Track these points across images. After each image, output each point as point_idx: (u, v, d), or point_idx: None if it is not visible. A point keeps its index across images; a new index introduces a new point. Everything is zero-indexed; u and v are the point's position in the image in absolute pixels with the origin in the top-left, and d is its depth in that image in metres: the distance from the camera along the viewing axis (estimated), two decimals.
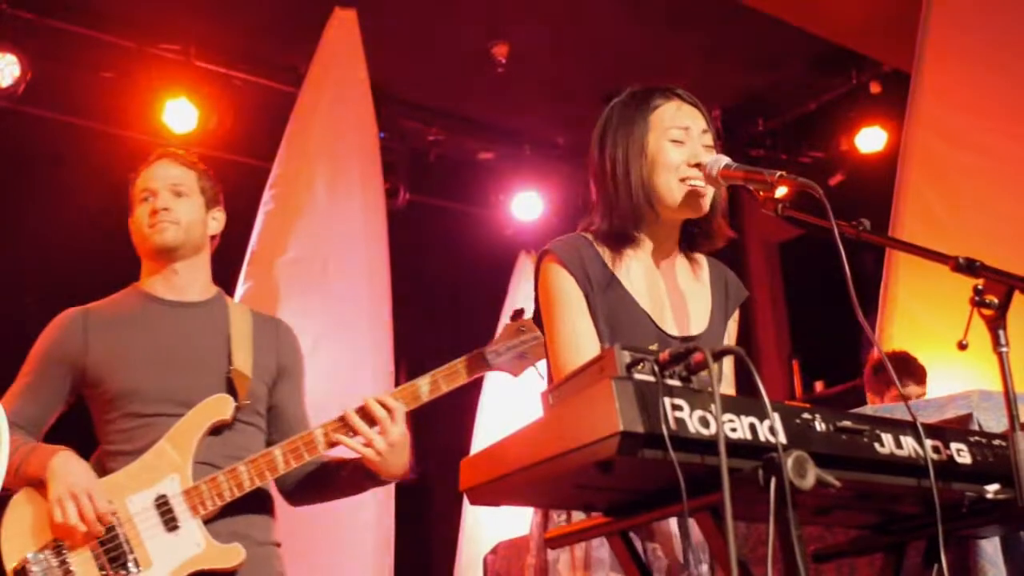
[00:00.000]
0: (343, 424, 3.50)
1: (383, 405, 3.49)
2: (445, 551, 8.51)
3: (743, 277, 3.12)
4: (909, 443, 2.17)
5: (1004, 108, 6.50)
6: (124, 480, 3.41)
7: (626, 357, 1.96)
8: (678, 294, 2.90)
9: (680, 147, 2.85)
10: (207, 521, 3.40)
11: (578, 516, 2.48)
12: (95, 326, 3.59)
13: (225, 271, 7.04)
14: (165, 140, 8.10)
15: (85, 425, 3.64)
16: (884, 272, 6.36)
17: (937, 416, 3.23)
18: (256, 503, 3.55)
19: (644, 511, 2.13)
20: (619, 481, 2.01)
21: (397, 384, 7.14)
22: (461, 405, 8.91)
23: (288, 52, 8.14)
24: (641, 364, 1.96)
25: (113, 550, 3.32)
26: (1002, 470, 2.23)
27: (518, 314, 3.91)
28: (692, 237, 2.97)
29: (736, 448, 1.93)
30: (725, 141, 9.50)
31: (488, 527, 7.86)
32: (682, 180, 2.82)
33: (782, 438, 1.98)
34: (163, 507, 3.38)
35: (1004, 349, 2.26)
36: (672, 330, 2.82)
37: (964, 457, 2.25)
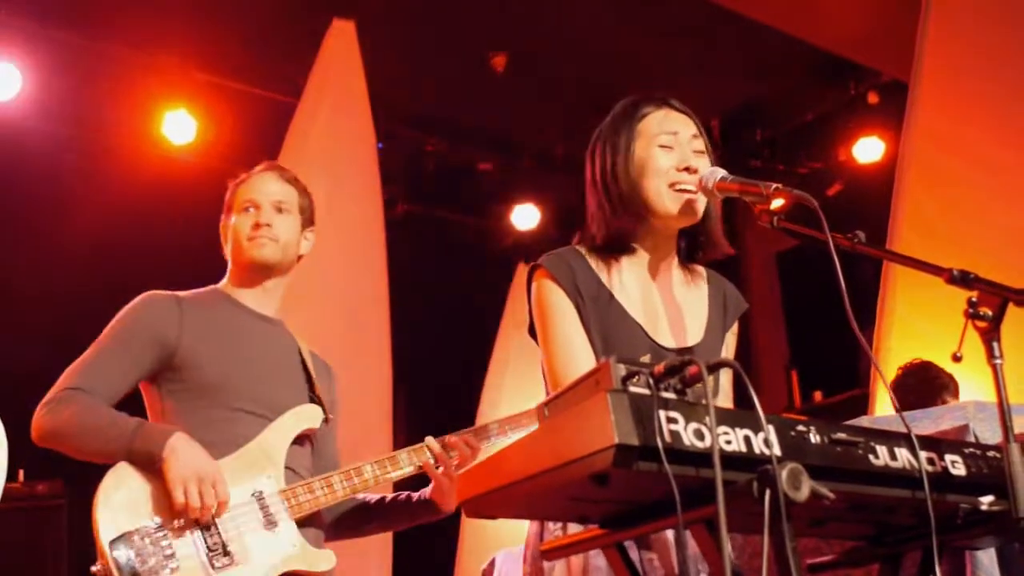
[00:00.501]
0: (426, 449, 3.63)
1: (467, 443, 3.58)
2: (444, 562, 8.51)
3: (741, 287, 3.12)
4: (904, 455, 2.17)
5: (1002, 119, 6.51)
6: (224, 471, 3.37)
7: (621, 370, 1.97)
8: (674, 305, 2.90)
9: (669, 152, 2.85)
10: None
11: (574, 527, 2.48)
12: (189, 313, 3.56)
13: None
14: (164, 151, 8.12)
15: None
16: (882, 283, 6.37)
17: (933, 427, 3.24)
18: (320, 517, 3.57)
19: (639, 523, 2.13)
20: (614, 493, 2.01)
21: (395, 392, 7.17)
22: (460, 413, 8.92)
23: (287, 63, 8.16)
24: (636, 377, 1.96)
25: (213, 539, 3.28)
26: (996, 481, 2.23)
27: None
28: (690, 247, 2.98)
29: (731, 460, 1.93)
30: (723, 151, 9.52)
31: (487, 538, 7.86)
32: (671, 185, 2.82)
33: (777, 450, 1.98)
34: (261, 503, 3.38)
35: (998, 361, 2.26)
36: (667, 342, 2.82)
37: (959, 468, 2.25)
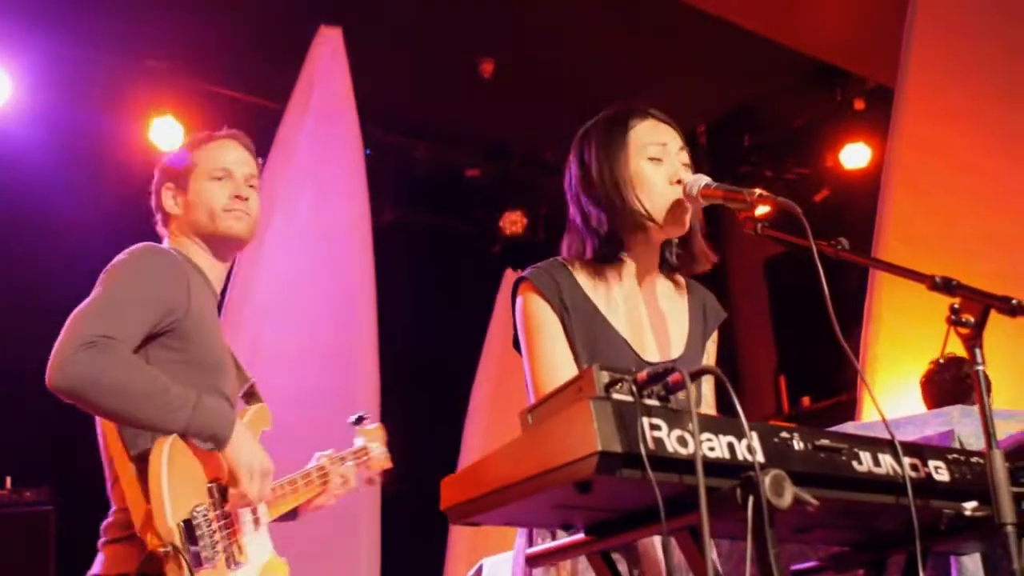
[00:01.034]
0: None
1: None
2: (433, 569, 8.50)
3: (728, 293, 3.14)
4: (887, 461, 2.18)
5: (987, 125, 6.54)
6: None
7: (604, 377, 1.97)
8: (659, 317, 2.90)
9: (659, 165, 2.85)
10: None
11: (562, 534, 2.48)
12: (193, 281, 3.31)
13: None
14: (151, 157, 8.10)
15: None
16: (868, 288, 6.38)
17: (918, 432, 3.25)
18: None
19: (624, 530, 2.13)
20: (598, 501, 2.01)
21: (383, 403, 7.17)
22: (449, 421, 8.92)
23: (274, 69, 8.15)
24: (619, 384, 1.97)
25: (233, 534, 3.18)
26: (980, 487, 2.24)
27: (360, 420, 4.03)
28: (675, 258, 2.97)
29: (714, 467, 1.93)
30: (710, 157, 9.55)
31: (474, 545, 7.86)
32: (667, 199, 2.81)
33: (760, 457, 1.98)
34: None
35: (980, 367, 2.27)
36: (651, 356, 2.81)
37: (942, 474, 2.25)
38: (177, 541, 2.96)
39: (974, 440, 3.01)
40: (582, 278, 2.85)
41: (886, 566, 2.50)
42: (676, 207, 2.82)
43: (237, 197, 3.45)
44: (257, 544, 3.27)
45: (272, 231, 7.11)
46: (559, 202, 2.99)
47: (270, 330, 6.90)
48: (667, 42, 8.50)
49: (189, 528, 3.02)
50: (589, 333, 2.79)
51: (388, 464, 4.07)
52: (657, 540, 2.60)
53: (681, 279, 3.03)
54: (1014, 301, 2.27)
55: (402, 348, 8.07)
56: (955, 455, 2.32)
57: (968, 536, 2.35)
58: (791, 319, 10.05)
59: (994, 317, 2.30)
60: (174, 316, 3.19)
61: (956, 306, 2.29)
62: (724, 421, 2.00)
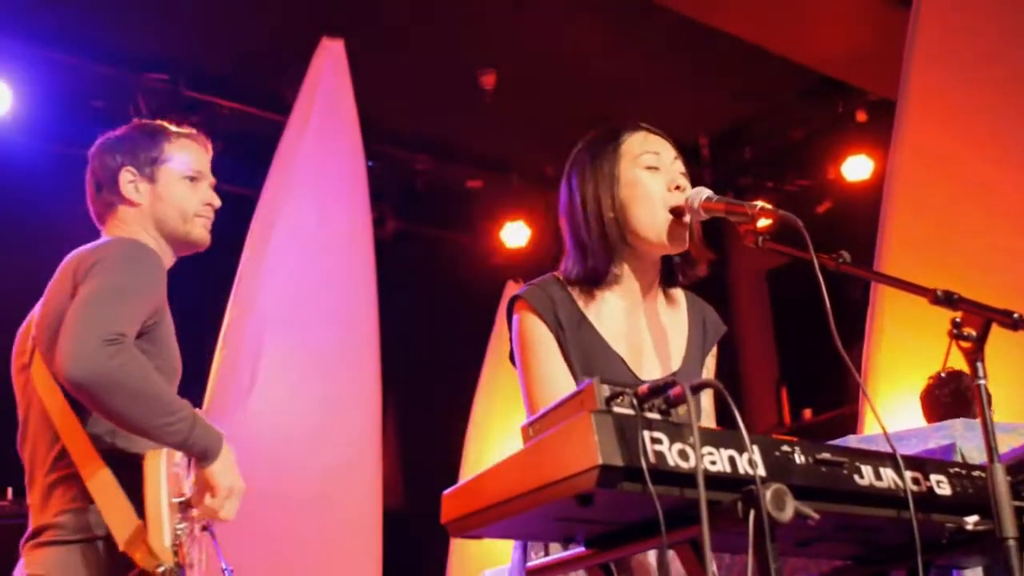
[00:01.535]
0: None
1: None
2: None
3: (730, 305, 3.14)
4: (888, 475, 2.17)
5: (989, 137, 6.54)
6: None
7: (605, 391, 1.97)
8: (656, 334, 2.87)
9: (656, 173, 2.83)
10: None
11: (555, 547, 2.47)
12: (167, 285, 3.25)
13: (211, 300, 7.09)
14: None
15: None
16: (871, 300, 6.38)
17: (920, 446, 3.24)
18: None
19: (624, 544, 2.13)
20: (599, 514, 2.01)
21: (384, 411, 7.16)
22: (450, 433, 8.91)
23: (276, 81, 8.17)
24: (620, 398, 1.96)
25: (200, 547, 3.16)
26: (982, 501, 2.23)
27: None
28: (674, 270, 2.96)
29: (715, 481, 1.93)
30: (712, 169, 9.56)
31: (475, 557, 7.85)
32: (671, 210, 2.79)
33: (761, 470, 1.98)
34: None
35: (982, 381, 2.27)
36: (648, 375, 2.78)
37: (944, 488, 2.25)
38: (169, 561, 2.94)
39: (976, 454, 3.00)
40: (578, 296, 2.82)
41: None
42: (676, 222, 2.80)
43: (209, 204, 3.42)
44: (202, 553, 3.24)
45: (274, 242, 7.10)
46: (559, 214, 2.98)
47: (272, 341, 6.89)
48: (669, 55, 8.51)
49: (176, 547, 2.99)
50: (585, 353, 2.77)
51: None
52: (653, 553, 2.60)
53: (679, 293, 3.00)
54: (1016, 315, 2.26)
55: (403, 360, 8.06)
56: (957, 469, 2.32)
57: (970, 550, 2.35)
58: (793, 331, 10.04)
59: (996, 331, 2.30)
60: (154, 319, 3.13)
61: (958, 320, 2.28)
62: (725, 434, 2.00)
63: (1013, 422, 3.24)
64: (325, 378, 6.98)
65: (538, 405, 2.71)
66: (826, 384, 9.33)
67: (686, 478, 1.92)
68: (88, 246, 3.26)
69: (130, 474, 2.99)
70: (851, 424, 6.76)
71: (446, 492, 2.16)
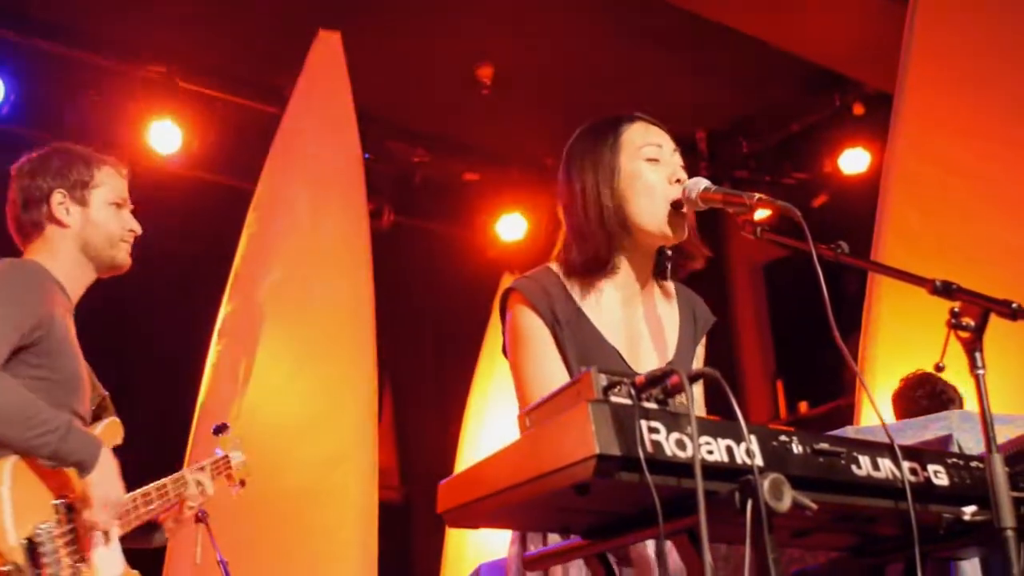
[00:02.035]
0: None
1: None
2: (428, 573, 8.49)
3: (726, 298, 3.13)
4: (886, 465, 2.17)
5: (986, 130, 6.53)
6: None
7: (603, 380, 1.96)
8: (651, 326, 2.87)
9: (656, 166, 2.82)
10: None
11: (554, 539, 2.47)
12: (58, 299, 3.38)
13: (208, 292, 7.08)
14: (149, 161, 8.10)
15: None
16: (867, 292, 6.37)
17: (917, 437, 3.24)
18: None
19: (621, 534, 2.13)
20: (596, 504, 2.01)
21: (380, 404, 7.15)
22: (446, 424, 8.91)
23: (273, 74, 8.15)
24: (618, 387, 1.96)
25: (81, 553, 3.20)
26: (980, 492, 2.23)
27: (220, 428, 4.05)
28: (669, 261, 2.95)
29: (713, 471, 1.93)
30: (709, 163, 9.55)
31: (471, 548, 7.85)
32: (674, 203, 2.78)
33: (759, 460, 1.98)
34: None
35: (981, 371, 2.27)
36: (644, 366, 2.77)
37: (941, 479, 2.25)
38: (20, 560, 2.99)
39: (973, 445, 3.00)
40: (573, 287, 2.82)
41: (884, 571, 2.50)
42: (676, 214, 2.79)
43: (131, 231, 3.58)
44: (108, 559, 3.27)
45: (270, 235, 7.09)
46: (557, 207, 2.97)
47: (268, 334, 6.89)
48: (666, 48, 8.49)
49: (33, 547, 3.04)
50: (580, 345, 2.76)
51: (250, 473, 4.10)
52: (650, 543, 2.59)
53: (670, 284, 3.00)
54: (1014, 305, 2.26)
55: (400, 352, 8.06)
56: (954, 459, 2.32)
57: (967, 541, 2.35)
58: (790, 324, 10.03)
59: (993, 322, 2.29)
60: (38, 332, 3.23)
61: (956, 310, 2.28)
62: (723, 424, 2.00)
63: (1011, 414, 3.25)
64: (321, 370, 6.98)
65: (529, 398, 2.69)
66: (822, 377, 9.33)
67: (683, 468, 1.91)
68: None
69: None
70: (847, 417, 6.75)
71: (442, 482, 2.16)
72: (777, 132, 9.72)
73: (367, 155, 7.86)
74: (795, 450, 2.06)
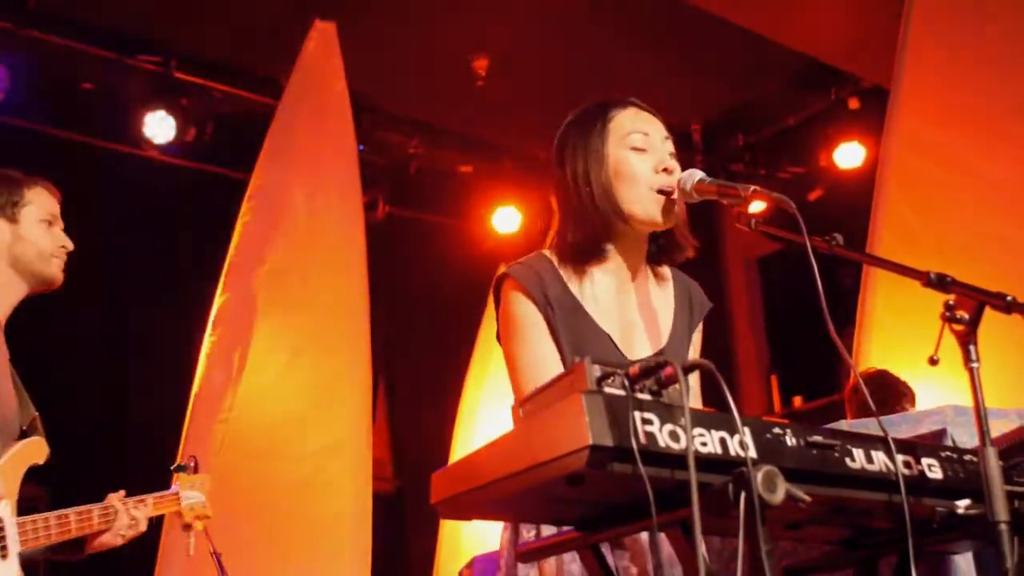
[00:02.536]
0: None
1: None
2: (423, 564, 8.49)
3: (722, 292, 3.13)
4: (880, 458, 2.17)
5: (981, 124, 6.52)
6: None
7: (596, 371, 1.95)
8: (644, 311, 2.86)
9: (643, 155, 2.82)
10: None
11: (548, 530, 2.46)
12: None
13: (203, 283, 7.07)
14: (144, 151, 8.10)
15: None
16: (862, 285, 6.37)
17: (911, 431, 3.23)
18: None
19: (614, 525, 2.12)
20: (589, 495, 2.00)
21: (375, 395, 7.14)
22: (440, 416, 8.91)
23: (268, 64, 8.14)
24: (611, 378, 1.95)
25: None
26: (973, 485, 2.23)
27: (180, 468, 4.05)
28: (660, 249, 2.94)
29: (706, 463, 1.92)
30: (704, 156, 9.54)
31: (465, 540, 7.85)
32: (658, 190, 2.78)
33: (752, 453, 1.97)
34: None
35: (975, 364, 2.26)
36: (637, 353, 2.78)
37: (935, 472, 2.24)
38: None
39: (968, 439, 2.99)
40: (566, 273, 2.81)
41: (877, 564, 2.50)
42: (663, 200, 2.78)
43: (63, 247, 3.66)
44: (2, 573, 3.25)
45: (265, 226, 7.08)
46: (551, 199, 2.97)
47: (262, 325, 6.88)
48: (661, 40, 8.48)
49: None
50: (574, 331, 2.75)
51: (208, 513, 4.07)
52: (645, 535, 2.59)
53: (666, 269, 2.99)
54: (1008, 298, 2.26)
55: (394, 344, 8.05)
56: (948, 453, 2.31)
57: (961, 534, 2.34)
58: (784, 318, 10.04)
59: (988, 315, 2.29)
60: None
61: (951, 303, 2.28)
62: (717, 416, 1.99)
63: (1004, 408, 3.24)
64: (315, 362, 6.97)
65: (525, 386, 2.70)
66: (816, 371, 9.34)
67: (677, 459, 1.91)
68: None
69: None
70: (841, 411, 6.74)
71: (436, 473, 2.15)
72: (772, 126, 9.72)
73: (361, 146, 7.84)
74: (789, 443, 2.06)
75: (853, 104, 9.12)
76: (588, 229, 2.80)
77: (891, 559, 2.44)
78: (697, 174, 2.75)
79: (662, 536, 2.09)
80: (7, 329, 3.58)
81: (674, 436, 1.92)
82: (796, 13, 8.27)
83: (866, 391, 2.41)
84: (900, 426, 3.26)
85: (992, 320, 2.31)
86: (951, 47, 6.73)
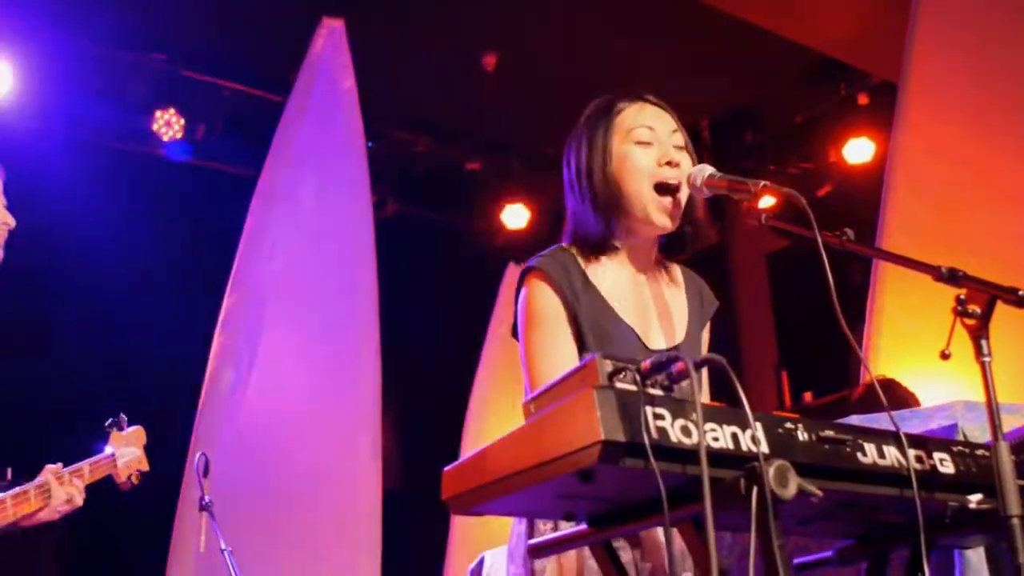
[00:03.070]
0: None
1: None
2: (434, 560, 8.50)
3: (730, 288, 3.13)
4: (892, 453, 2.16)
5: (991, 120, 6.51)
6: None
7: (608, 366, 1.95)
8: (661, 305, 2.87)
9: (648, 149, 2.82)
10: None
11: (565, 524, 2.46)
12: None
13: (211, 281, 7.08)
14: (153, 149, 8.11)
15: None
16: (871, 282, 6.37)
17: (922, 427, 3.22)
18: None
19: (626, 521, 2.12)
20: (601, 490, 2.00)
21: (384, 396, 7.14)
22: (450, 414, 8.91)
23: (276, 62, 8.14)
24: (623, 373, 1.95)
25: None
26: (985, 480, 2.22)
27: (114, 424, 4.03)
28: (672, 242, 2.95)
29: (718, 457, 1.92)
30: (713, 152, 9.53)
31: (476, 536, 7.85)
32: (656, 186, 2.78)
33: (764, 447, 1.96)
34: None
35: (987, 359, 2.26)
36: (656, 344, 2.79)
37: (947, 467, 2.24)
38: None
39: (979, 434, 2.98)
40: (586, 266, 2.82)
41: (889, 559, 2.49)
42: (663, 200, 2.78)
43: (4, 223, 3.73)
44: None
45: (273, 223, 7.09)
46: (561, 196, 2.97)
47: (271, 323, 6.89)
48: (670, 37, 8.48)
49: None
50: (597, 322, 2.76)
51: (143, 467, 4.07)
52: (659, 530, 2.59)
53: (675, 268, 3.00)
54: (1021, 292, 2.25)
55: (403, 341, 8.05)
56: (960, 447, 2.31)
57: (973, 529, 2.33)
58: (793, 314, 10.03)
59: (999, 310, 2.28)
60: None
61: (962, 297, 2.27)
62: (728, 411, 1.99)
63: (1017, 403, 3.23)
64: (325, 359, 6.98)
65: (538, 380, 2.70)
66: (826, 368, 9.32)
67: (688, 454, 1.90)
68: None
69: None
70: (851, 407, 6.75)
71: (447, 468, 2.15)
72: (781, 122, 9.71)
73: (369, 144, 7.85)
74: (800, 437, 2.05)
75: (862, 100, 9.11)
76: (593, 224, 2.82)
77: (903, 554, 2.44)
78: (708, 169, 2.76)
79: (674, 531, 2.08)
80: None
81: (686, 431, 1.91)
82: (805, 9, 8.26)
83: (881, 393, 2.40)
84: (911, 421, 3.26)
85: (1003, 314, 2.30)
86: (959, 42, 6.72)
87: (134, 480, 4.04)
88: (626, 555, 2.55)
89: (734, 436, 1.96)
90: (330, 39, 7.46)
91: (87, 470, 3.81)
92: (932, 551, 2.31)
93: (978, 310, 2.26)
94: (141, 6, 7.72)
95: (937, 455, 2.24)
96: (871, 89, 9.03)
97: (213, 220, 7.82)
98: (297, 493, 6.59)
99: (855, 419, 3.40)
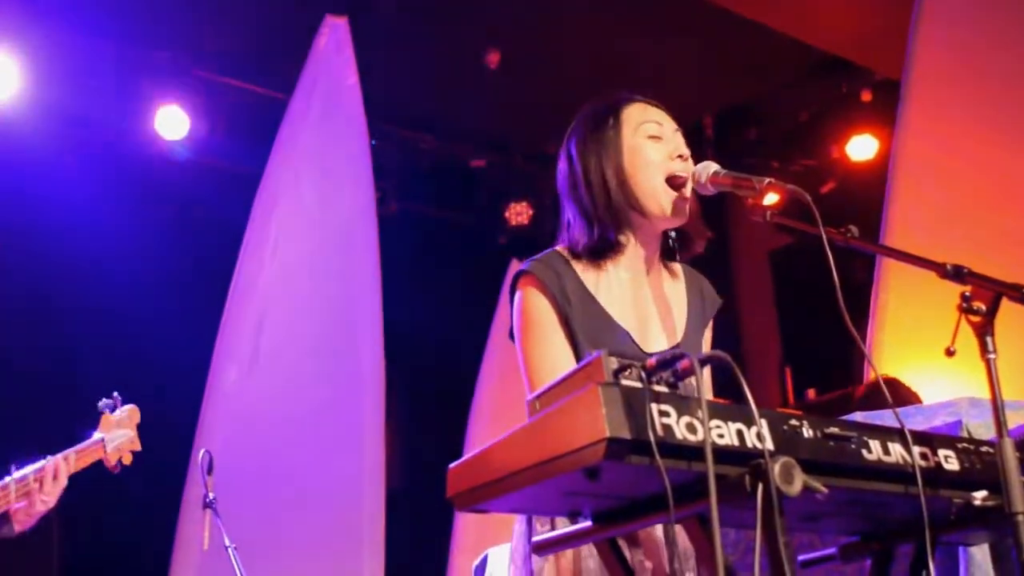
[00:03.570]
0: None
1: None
2: (438, 558, 8.50)
3: (733, 286, 3.13)
4: (897, 450, 2.16)
5: (994, 117, 6.51)
6: None
7: (613, 363, 1.95)
8: (659, 306, 2.87)
9: (658, 143, 2.83)
10: None
11: (562, 524, 2.46)
12: None
13: (216, 277, 7.08)
14: (157, 146, 8.11)
15: None
16: (875, 279, 6.37)
17: (926, 423, 3.23)
18: None
19: (631, 518, 2.12)
20: (606, 488, 2.00)
21: (388, 393, 7.15)
22: (454, 412, 8.92)
23: (280, 59, 8.14)
24: (628, 370, 1.95)
25: None
26: (990, 477, 2.23)
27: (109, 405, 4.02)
28: (672, 244, 2.95)
29: (723, 454, 1.92)
30: (716, 149, 9.53)
31: (481, 534, 7.85)
32: (668, 179, 2.79)
33: (769, 444, 1.97)
34: None
35: (992, 356, 2.26)
36: (653, 347, 2.78)
37: (952, 464, 2.24)
38: None
39: (983, 431, 2.98)
40: (581, 269, 2.81)
41: (894, 556, 2.49)
42: (675, 194, 2.79)
43: None
44: None
45: (277, 221, 7.09)
46: None
47: (274, 320, 6.89)
48: (673, 34, 8.47)
49: None
50: (591, 326, 2.75)
51: (135, 447, 4.05)
52: (659, 529, 2.59)
53: (677, 266, 3.00)
54: None
55: (407, 338, 8.06)
56: (965, 444, 2.31)
57: (977, 526, 2.34)
58: (797, 311, 10.02)
59: (1003, 306, 2.28)
60: None
61: (967, 294, 2.27)
62: (733, 408, 1.99)
63: (1021, 399, 3.24)
64: (328, 357, 6.98)
65: (537, 383, 2.70)
66: (829, 364, 9.32)
67: (694, 451, 1.91)
68: None
69: None
70: (855, 404, 6.75)
71: (452, 465, 2.15)
72: (785, 119, 9.71)
73: (373, 141, 7.85)
74: (806, 434, 2.05)
75: (865, 97, 9.10)
76: (603, 226, 2.81)
77: (907, 550, 2.44)
78: (712, 166, 2.76)
79: (677, 529, 2.08)
80: None
81: (691, 428, 1.92)
82: (808, 6, 8.26)
83: (886, 391, 2.40)
84: (915, 418, 3.26)
85: (1007, 312, 2.30)
86: (962, 39, 6.72)
87: (124, 461, 4.02)
88: (626, 555, 2.55)
89: (739, 433, 1.96)
90: (333, 37, 7.46)
91: (72, 458, 3.81)
92: (936, 548, 2.31)
93: (983, 307, 2.26)
94: (145, 4, 7.72)
95: (942, 452, 2.24)
96: (874, 86, 9.03)
97: (216, 217, 7.82)
98: (301, 491, 6.59)
99: (859, 416, 3.40)
